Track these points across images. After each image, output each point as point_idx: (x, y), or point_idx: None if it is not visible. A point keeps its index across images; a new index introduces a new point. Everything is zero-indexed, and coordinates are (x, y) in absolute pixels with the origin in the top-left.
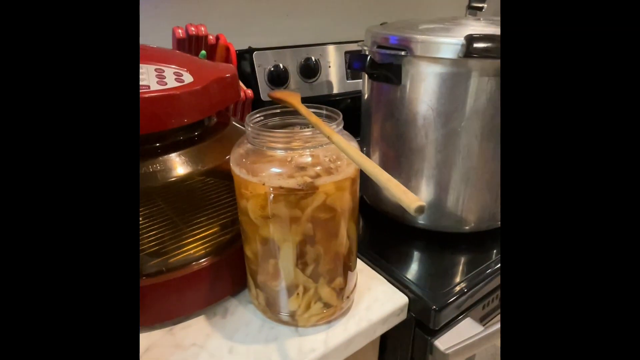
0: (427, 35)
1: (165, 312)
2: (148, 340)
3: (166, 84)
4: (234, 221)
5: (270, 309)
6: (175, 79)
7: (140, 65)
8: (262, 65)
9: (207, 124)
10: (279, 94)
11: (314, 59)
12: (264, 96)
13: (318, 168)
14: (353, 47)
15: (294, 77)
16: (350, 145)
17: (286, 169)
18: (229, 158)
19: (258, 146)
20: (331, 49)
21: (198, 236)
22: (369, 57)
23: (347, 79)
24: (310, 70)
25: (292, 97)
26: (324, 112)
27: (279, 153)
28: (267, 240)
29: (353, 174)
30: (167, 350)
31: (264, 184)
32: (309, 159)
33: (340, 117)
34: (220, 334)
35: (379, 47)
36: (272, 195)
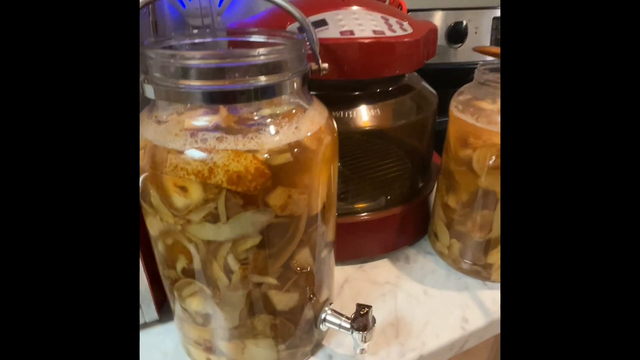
0: None
1: (353, 250)
2: (344, 273)
3: (395, 31)
4: (410, 176)
5: (462, 258)
6: (400, 27)
7: (369, 12)
8: None
9: (401, 81)
10: (494, 48)
11: (464, 23)
12: None
13: None
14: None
15: (439, 41)
16: None
17: None
18: (421, 115)
19: (488, 94)
20: (481, 13)
21: (379, 185)
22: None
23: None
24: (458, 35)
25: None
26: None
27: None
28: (484, 192)
29: None
30: (364, 284)
31: None
32: None
33: None
34: (409, 277)
35: None
36: None
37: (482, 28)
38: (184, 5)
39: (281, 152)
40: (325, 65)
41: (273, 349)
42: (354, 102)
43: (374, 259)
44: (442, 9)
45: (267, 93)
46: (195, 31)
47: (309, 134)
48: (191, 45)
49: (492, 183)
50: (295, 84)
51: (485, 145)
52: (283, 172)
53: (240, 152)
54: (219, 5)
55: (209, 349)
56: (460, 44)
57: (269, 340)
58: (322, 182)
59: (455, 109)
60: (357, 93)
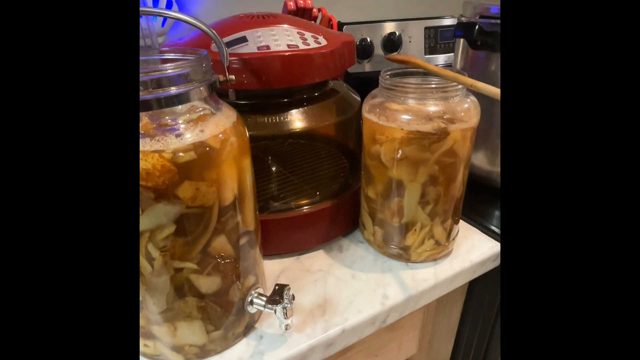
0: None
1: (289, 244)
2: (281, 265)
3: (309, 45)
4: (340, 173)
5: (386, 244)
6: (314, 41)
7: (287, 27)
8: None
9: (326, 87)
10: (400, 56)
11: (397, 33)
12: (351, 69)
13: (446, 117)
14: (431, 22)
15: (377, 51)
16: (497, 89)
17: (416, 117)
18: (344, 117)
19: (392, 96)
20: (413, 24)
21: (312, 183)
22: (477, 25)
23: (425, 54)
24: (392, 44)
25: (414, 58)
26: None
27: (411, 102)
28: (394, 181)
29: (476, 124)
30: (299, 273)
31: (402, 129)
32: (437, 108)
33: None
34: (340, 264)
35: (482, 17)
36: (408, 138)
37: (415, 37)
38: None
39: (186, 151)
40: (232, 76)
41: (203, 330)
42: (283, 108)
43: (310, 251)
44: (376, 22)
45: (175, 100)
46: None
47: (215, 135)
48: None
49: (397, 173)
50: (201, 93)
51: (387, 140)
52: (190, 168)
53: (147, 152)
54: (162, 26)
55: (145, 334)
56: (396, 53)
57: (198, 322)
58: (230, 176)
59: (364, 111)
60: (285, 100)
